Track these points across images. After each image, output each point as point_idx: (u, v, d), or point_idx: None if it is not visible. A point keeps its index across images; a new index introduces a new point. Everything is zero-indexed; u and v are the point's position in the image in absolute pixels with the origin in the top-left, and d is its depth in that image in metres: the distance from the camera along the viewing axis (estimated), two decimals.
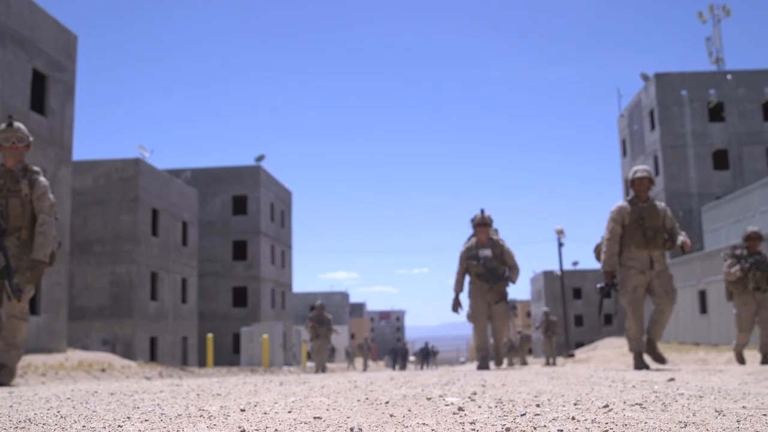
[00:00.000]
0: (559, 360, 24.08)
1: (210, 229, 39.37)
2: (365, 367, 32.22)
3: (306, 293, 63.15)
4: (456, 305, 9.25)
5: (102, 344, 26.57)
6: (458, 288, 9.24)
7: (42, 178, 5.71)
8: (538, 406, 2.40)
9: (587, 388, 3.40)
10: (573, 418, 2.04)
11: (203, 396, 3.36)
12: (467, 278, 9.42)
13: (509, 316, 9.29)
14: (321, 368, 16.33)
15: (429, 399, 2.79)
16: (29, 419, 2.34)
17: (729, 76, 34.14)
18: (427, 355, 39.48)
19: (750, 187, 25.58)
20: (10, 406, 2.91)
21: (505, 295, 9.24)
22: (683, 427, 1.80)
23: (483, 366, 8.93)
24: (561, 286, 36.55)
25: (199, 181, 39.04)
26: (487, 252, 9.24)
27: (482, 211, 9.46)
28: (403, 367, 36.78)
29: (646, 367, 6.83)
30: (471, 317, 9.27)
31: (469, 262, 9.23)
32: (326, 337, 16.43)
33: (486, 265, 9.15)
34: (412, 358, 43.42)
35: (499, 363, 9.94)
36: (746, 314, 8.94)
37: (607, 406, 2.31)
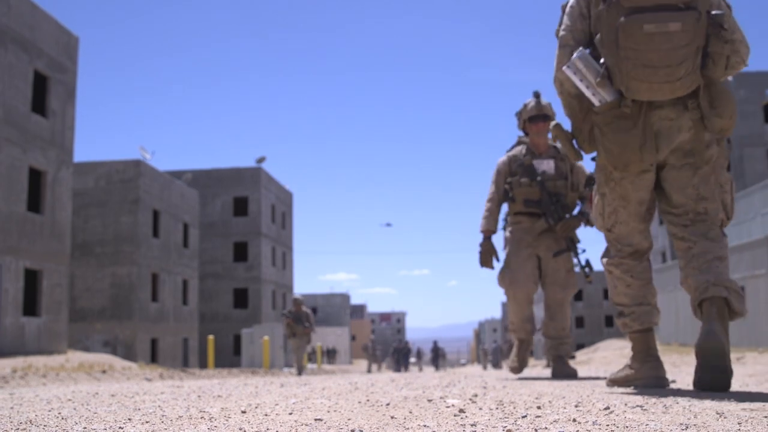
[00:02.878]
0: None
1: (211, 230, 39.39)
2: (369, 369, 32.20)
3: (307, 294, 63.14)
4: (488, 255, 5.40)
5: (103, 346, 26.59)
6: (490, 225, 5.46)
7: None
8: (539, 408, 2.41)
9: (588, 389, 3.40)
10: (574, 420, 2.05)
11: (204, 398, 3.36)
12: (503, 212, 5.65)
13: (576, 282, 5.52)
14: (298, 370, 14.99)
15: (430, 401, 2.80)
16: (30, 421, 2.34)
17: (730, 78, 34.14)
18: (437, 356, 39.51)
19: (751, 189, 25.58)
20: (11, 408, 2.91)
21: (573, 243, 5.36)
22: (684, 429, 1.80)
23: (520, 364, 5.59)
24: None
25: (200, 182, 39.06)
26: (547, 164, 5.41)
27: (537, 96, 5.49)
28: (406, 368, 36.72)
29: None
30: (505, 278, 5.45)
31: (514, 180, 5.41)
32: (305, 335, 14.87)
33: (545, 187, 5.33)
34: (412, 359, 43.41)
35: (561, 363, 5.36)
36: None
37: (608, 408, 2.31)
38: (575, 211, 5.49)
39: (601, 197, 3.27)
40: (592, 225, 5.10)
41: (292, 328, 14.77)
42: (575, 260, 5.43)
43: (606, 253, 3.36)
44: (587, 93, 3.02)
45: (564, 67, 3.07)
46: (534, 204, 5.37)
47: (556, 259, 5.38)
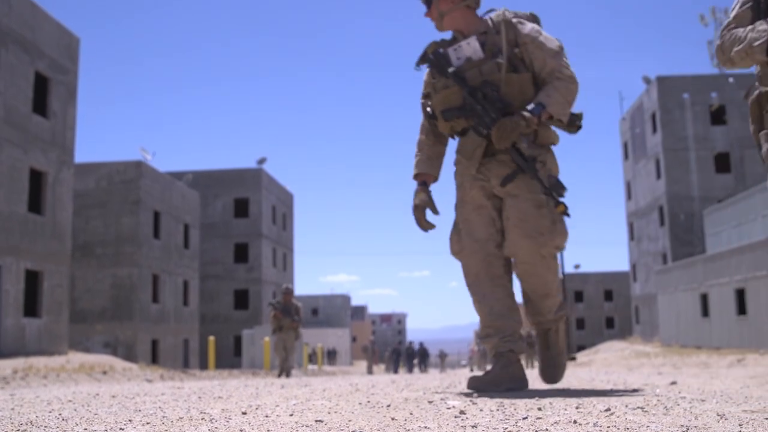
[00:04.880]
0: None
1: (211, 231, 39.41)
2: (369, 371, 32.17)
3: (307, 296, 63.14)
4: (421, 209, 3.55)
5: (103, 347, 26.60)
6: (422, 166, 3.64)
7: None
8: (539, 409, 2.40)
9: (589, 391, 3.40)
10: (575, 422, 2.04)
11: (205, 399, 3.36)
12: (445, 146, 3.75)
13: (556, 226, 3.30)
14: (285, 370, 13.12)
15: (430, 402, 2.79)
16: (31, 422, 2.34)
17: (731, 79, 34.14)
18: (424, 357, 39.43)
19: (752, 190, 25.57)
20: (12, 409, 2.91)
21: (524, 157, 3.28)
22: (685, 431, 1.80)
23: (508, 378, 3.28)
24: (563, 290, 36.54)
25: (201, 183, 39.08)
26: (470, 47, 3.38)
27: None
28: (410, 370, 36.64)
29: None
30: (454, 243, 3.54)
31: (431, 87, 3.50)
32: (293, 329, 13.11)
33: (464, 81, 3.35)
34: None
35: (555, 358, 3.72)
36: None
37: (608, 409, 2.31)
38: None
39: None
40: (564, 123, 3.40)
41: (279, 321, 13.03)
42: (535, 189, 3.34)
43: None
44: None
45: None
46: (457, 112, 3.38)
47: (514, 192, 3.36)
